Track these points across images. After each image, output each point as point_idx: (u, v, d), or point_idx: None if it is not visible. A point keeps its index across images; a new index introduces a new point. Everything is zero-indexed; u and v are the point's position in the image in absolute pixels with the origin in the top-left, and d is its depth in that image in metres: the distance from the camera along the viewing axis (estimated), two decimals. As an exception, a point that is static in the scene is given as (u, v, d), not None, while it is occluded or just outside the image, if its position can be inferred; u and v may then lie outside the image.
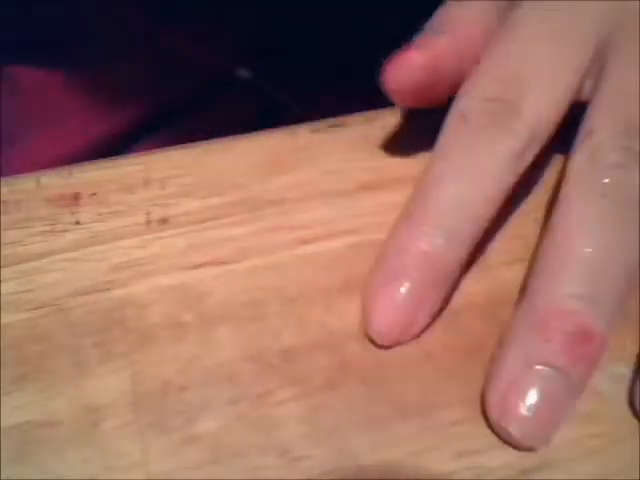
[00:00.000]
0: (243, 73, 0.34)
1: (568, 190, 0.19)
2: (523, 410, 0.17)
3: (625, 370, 0.18)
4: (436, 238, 0.18)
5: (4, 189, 0.21)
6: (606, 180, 0.18)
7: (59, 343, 0.18)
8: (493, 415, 0.17)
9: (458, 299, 0.20)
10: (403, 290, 0.18)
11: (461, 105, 0.20)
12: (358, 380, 0.18)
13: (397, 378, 0.18)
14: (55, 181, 0.21)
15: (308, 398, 0.18)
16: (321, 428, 0.17)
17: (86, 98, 0.33)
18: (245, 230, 0.21)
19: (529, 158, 0.19)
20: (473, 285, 0.20)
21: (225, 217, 0.21)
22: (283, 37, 0.35)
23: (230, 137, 0.23)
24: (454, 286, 0.19)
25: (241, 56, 0.35)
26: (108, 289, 0.19)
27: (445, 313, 0.19)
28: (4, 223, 0.20)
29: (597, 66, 0.20)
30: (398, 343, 0.19)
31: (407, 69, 0.20)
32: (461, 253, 0.19)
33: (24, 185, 0.21)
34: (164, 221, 0.21)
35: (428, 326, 0.19)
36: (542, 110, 0.19)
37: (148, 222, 0.21)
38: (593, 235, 0.18)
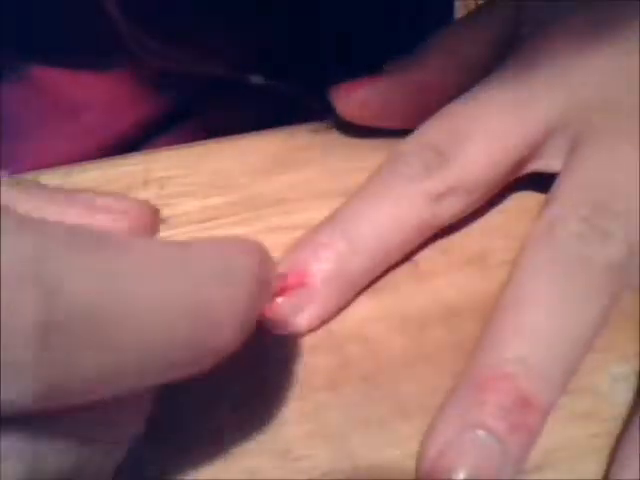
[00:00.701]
0: (257, 79, 0.34)
1: (522, 258, 0.19)
2: (455, 473, 0.16)
3: (625, 370, 0.18)
4: (341, 245, 0.19)
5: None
6: (562, 251, 0.18)
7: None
8: (425, 466, 0.16)
9: (458, 299, 0.20)
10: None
11: (402, 146, 0.21)
12: (358, 380, 0.18)
13: (397, 378, 0.18)
14: (55, 181, 0.21)
15: (308, 398, 0.18)
16: (321, 428, 0.17)
17: (98, 97, 0.33)
18: (245, 230, 0.21)
19: (448, 209, 0.20)
20: (473, 285, 0.20)
21: (225, 217, 0.21)
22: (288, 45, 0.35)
23: (230, 137, 0.23)
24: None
25: (252, 65, 0.35)
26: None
27: (445, 313, 0.19)
28: (4, 223, 0.20)
29: (562, 141, 0.20)
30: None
31: (351, 100, 0.22)
32: (365, 263, 0.19)
33: (24, 185, 0.21)
34: (164, 221, 0.21)
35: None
36: (472, 166, 0.20)
37: (148, 222, 0.21)
38: (542, 305, 0.18)
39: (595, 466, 0.17)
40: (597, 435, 0.17)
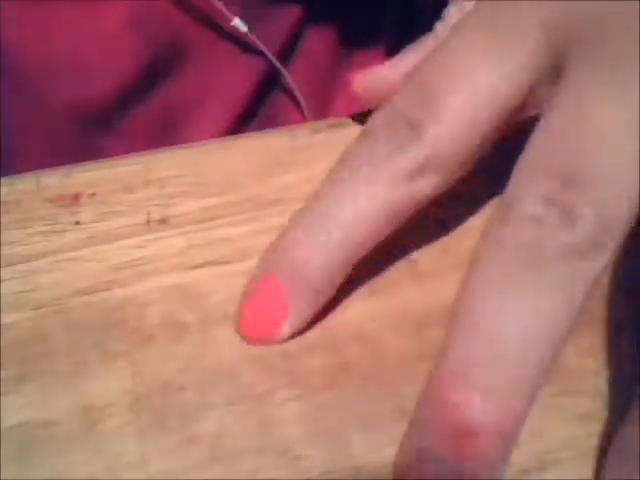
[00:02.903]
0: (239, 25, 0.34)
1: (479, 244, 0.16)
2: None
3: (625, 370, 0.18)
4: (321, 237, 0.18)
5: (4, 189, 0.21)
6: (518, 236, 0.15)
7: (59, 343, 0.18)
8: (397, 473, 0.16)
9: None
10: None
11: (372, 119, 0.19)
12: (358, 380, 0.18)
13: (397, 378, 0.18)
14: (55, 181, 0.21)
15: (308, 398, 0.18)
16: (321, 428, 0.17)
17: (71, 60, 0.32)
18: (245, 230, 0.21)
19: (427, 186, 0.18)
20: (473, 285, 0.20)
21: (225, 217, 0.21)
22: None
23: (230, 137, 0.23)
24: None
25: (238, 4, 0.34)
26: (108, 289, 0.19)
27: (445, 313, 0.19)
28: (4, 223, 0.20)
29: (548, 83, 0.17)
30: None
31: (372, 80, 0.22)
32: (345, 252, 0.18)
33: (24, 185, 0.21)
34: (164, 221, 0.21)
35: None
36: (446, 136, 0.17)
37: (148, 222, 0.21)
38: (490, 298, 0.15)
39: (595, 466, 0.17)
40: (597, 435, 0.17)
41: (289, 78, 0.37)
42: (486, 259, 0.16)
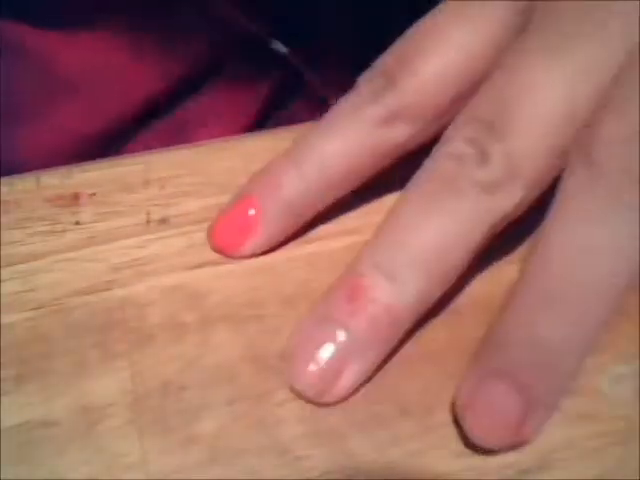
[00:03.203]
0: (278, 46, 0.34)
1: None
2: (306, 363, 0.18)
3: (625, 370, 0.18)
4: (291, 174, 0.20)
5: (4, 189, 0.21)
6: (440, 168, 0.18)
7: (59, 343, 0.18)
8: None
9: (459, 299, 0.20)
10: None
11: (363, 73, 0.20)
12: (358, 380, 0.18)
13: (397, 378, 0.18)
14: (55, 181, 0.21)
15: (308, 398, 0.18)
16: (321, 428, 0.17)
17: (101, 72, 0.32)
18: (245, 230, 0.21)
19: (397, 135, 0.19)
20: (474, 285, 0.20)
21: (225, 217, 0.21)
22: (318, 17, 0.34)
23: (230, 137, 0.23)
24: None
25: (276, 28, 0.34)
26: (108, 289, 0.19)
27: (446, 313, 0.19)
28: (4, 223, 0.20)
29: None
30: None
31: None
32: (313, 191, 0.20)
33: (24, 185, 0.21)
34: (164, 221, 0.21)
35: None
36: (418, 88, 0.19)
37: (148, 222, 0.21)
38: (407, 213, 0.18)
39: (595, 466, 0.17)
40: (597, 435, 0.17)
41: (315, 84, 0.36)
42: (413, 184, 0.18)
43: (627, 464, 0.17)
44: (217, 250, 0.20)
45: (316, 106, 0.30)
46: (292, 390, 0.18)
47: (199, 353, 0.18)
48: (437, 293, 0.18)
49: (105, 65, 0.32)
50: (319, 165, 0.20)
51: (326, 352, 0.17)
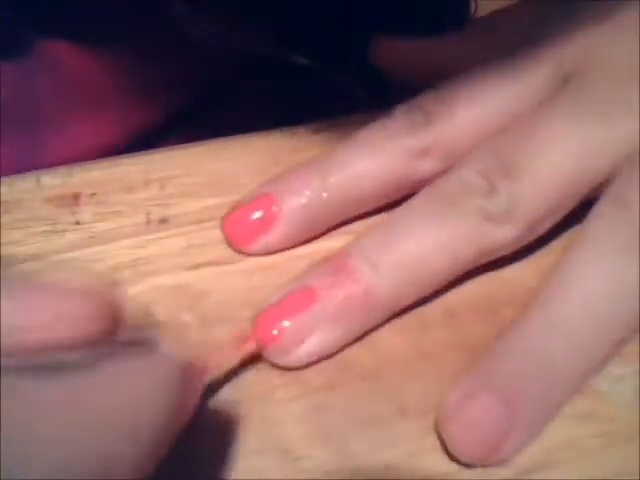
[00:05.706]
0: (300, 60, 0.34)
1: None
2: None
3: (625, 370, 0.18)
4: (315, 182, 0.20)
5: (4, 189, 0.21)
6: (447, 186, 0.19)
7: (59, 343, 0.18)
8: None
9: (458, 299, 0.20)
10: None
11: (395, 108, 0.21)
12: (358, 380, 0.18)
13: (397, 378, 0.18)
14: (55, 181, 0.21)
15: (308, 398, 0.18)
16: (321, 428, 0.17)
17: (124, 83, 0.32)
18: (245, 230, 0.21)
19: (426, 168, 0.20)
20: (473, 285, 0.20)
21: (225, 217, 0.21)
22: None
23: (230, 137, 0.23)
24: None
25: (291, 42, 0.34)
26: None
27: (445, 313, 0.19)
28: (4, 223, 0.20)
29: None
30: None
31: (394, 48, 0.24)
32: (334, 204, 0.20)
33: (24, 185, 0.21)
34: (164, 221, 0.21)
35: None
36: (454, 128, 0.20)
37: (148, 222, 0.21)
38: (404, 218, 0.19)
39: (595, 466, 0.17)
40: (597, 435, 0.17)
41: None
42: (420, 196, 0.19)
43: (627, 464, 0.17)
44: (228, 240, 0.20)
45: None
46: (257, 342, 0.18)
47: (199, 353, 0.18)
48: (410, 297, 0.19)
49: (132, 80, 0.32)
50: (346, 181, 0.20)
51: (296, 315, 0.18)
